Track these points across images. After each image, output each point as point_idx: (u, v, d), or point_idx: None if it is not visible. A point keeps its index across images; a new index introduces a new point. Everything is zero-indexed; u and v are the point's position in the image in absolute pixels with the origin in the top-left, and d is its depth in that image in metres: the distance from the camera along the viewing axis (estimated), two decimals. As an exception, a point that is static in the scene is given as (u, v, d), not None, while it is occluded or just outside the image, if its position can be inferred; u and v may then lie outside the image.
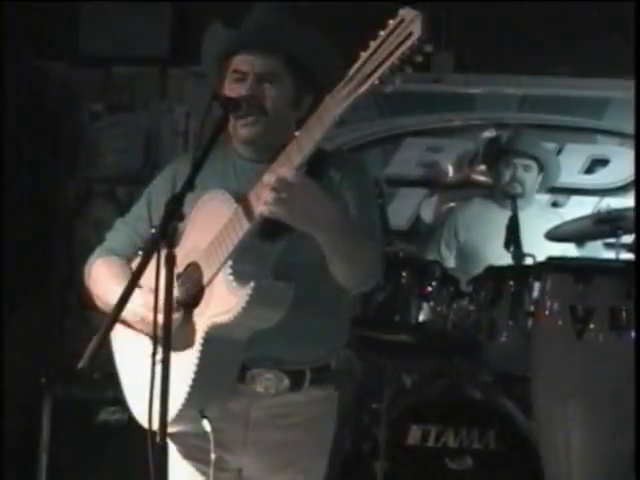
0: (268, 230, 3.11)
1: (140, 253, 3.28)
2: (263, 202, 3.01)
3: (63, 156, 7.33)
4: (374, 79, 2.82)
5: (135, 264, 3.42)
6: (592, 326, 5.17)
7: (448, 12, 6.51)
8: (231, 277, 3.12)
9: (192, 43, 3.57)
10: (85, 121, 7.37)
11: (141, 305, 3.20)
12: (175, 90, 7.18)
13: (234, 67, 3.39)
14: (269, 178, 3.01)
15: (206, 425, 3.26)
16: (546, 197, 6.85)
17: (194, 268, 3.21)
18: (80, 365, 2.82)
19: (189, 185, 3.02)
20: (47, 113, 7.27)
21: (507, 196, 6.12)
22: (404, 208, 7.12)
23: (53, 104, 7.30)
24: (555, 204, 6.99)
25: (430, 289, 5.70)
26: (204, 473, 3.35)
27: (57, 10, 7.13)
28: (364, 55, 2.85)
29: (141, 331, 3.32)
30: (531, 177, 6.26)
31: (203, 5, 6.38)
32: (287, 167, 3.01)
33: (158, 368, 2.86)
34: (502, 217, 5.94)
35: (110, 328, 2.91)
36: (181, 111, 7.14)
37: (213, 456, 3.26)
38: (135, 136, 7.27)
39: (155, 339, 2.91)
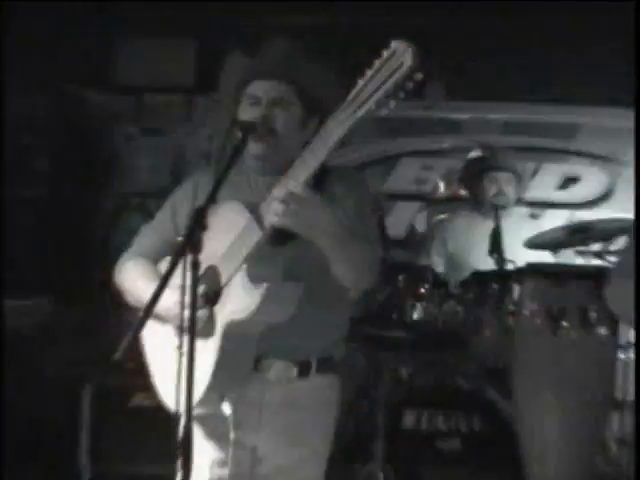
0: (278, 237, 3.11)
1: (168, 258, 3.27)
2: (273, 213, 3.03)
3: (101, 173, 7.35)
4: (371, 104, 2.83)
5: (162, 266, 3.45)
6: (565, 324, 5.18)
7: (439, 47, 6.52)
8: (246, 279, 3.13)
9: (214, 74, 3.58)
10: (120, 142, 7.39)
11: (174, 303, 3.19)
12: (199, 115, 7.20)
13: (249, 93, 3.39)
14: (279, 192, 3.02)
15: (226, 408, 3.27)
16: (525, 210, 6.86)
17: (213, 271, 3.21)
18: (115, 357, 2.83)
19: (212, 199, 3.00)
20: (88, 136, 7.30)
21: (493, 208, 6.11)
22: (400, 219, 7.13)
23: (93, 128, 7.32)
24: (533, 216, 7.00)
25: (423, 291, 5.72)
26: (223, 450, 3.36)
27: (97, 45, 7.15)
28: (361, 82, 2.86)
29: (171, 325, 3.32)
30: (512, 189, 6.25)
31: (224, 40, 6.39)
32: (294, 182, 3.02)
33: (184, 358, 2.86)
34: (486, 227, 5.94)
35: (142, 325, 2.90)
36: (204, 133, 7.15)
37: (232, 436, 3.27)
38: (164, 156, 7.28)
39: (182, 332, 2.92)
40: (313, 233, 3.08)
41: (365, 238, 3.25)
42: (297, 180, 3.02)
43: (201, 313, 3.12)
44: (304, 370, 3.36)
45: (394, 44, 2.80)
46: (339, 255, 3.14)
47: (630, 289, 3.03)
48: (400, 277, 5.78)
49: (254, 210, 3.11)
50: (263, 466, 3.43)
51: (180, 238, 2.94)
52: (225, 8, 6.86)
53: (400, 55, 2.77)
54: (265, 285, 3.10)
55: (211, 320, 3.20)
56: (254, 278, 3.12)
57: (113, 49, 7.31)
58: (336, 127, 2.93)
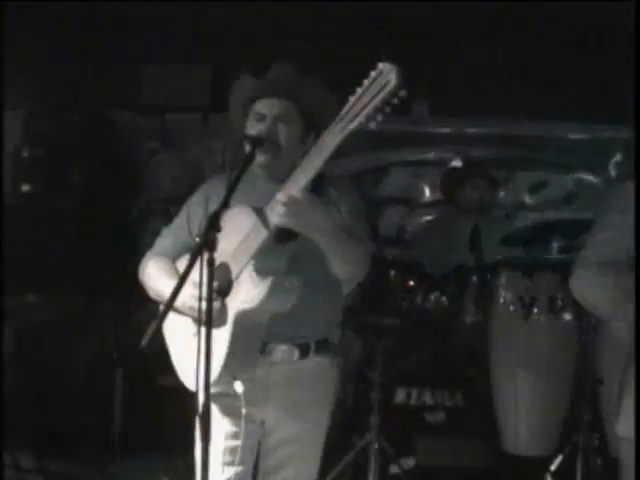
0: (281, 235, 3.11)
1: (187, 256, 3.25)
2: (276, 214, 3.03)
3: (129, 183, 7.35)
4: (361, 118, 2.82)
5: (180, 264, 3.44)
6: (535, 310, 5.20)
7: (425, 69, 6.53)
8: (254, 273, 3.12)
9: (226, 95, 3.58)
10: (145, 156, 7.39)
11: (190, 296, 3.20)
12: (214, 131, 7.20)
13: (256, 110, 3.38)
14: (281, 196, 3.02)
15: (238, 387, 3.26)
16: (500, 211, 6.86)
17: (224, 267, 3.19)
18: (142, 344, 2.83)
19: (225, 204, 2.99)
20: (117, 150, 7.30)
21: (473, 210, 6.12)
22: (391, 221, 7.11)
23: (121, 143, 7.32)
24: (507, 217, 6.99)
25: (412, 283, 5.73)
26: (236, 424, 3.35)
27: (126, 72, 7.18)
28: (352, 100, 2.85)
29: (188, 315, 3.32)
30: (489, 194, 6.26)
31: (235, 66, 6.39)
32: (295, 188, 3.03)
33: (202, 344, 2.86)
34: (466, 227, 5.95)
35: (165, 315, 2.90)
36: (218, 147, 7.14)
37: (244, 411, 3.26)
38: (183, 167, 7.28)
39: (200, 321, 2.91)
40: (311, 231, 3.08)
41: (357, 236, 3.25)
42: (297, 186, 3.02)
43: (215, 304, 3.11)
44: (304, 352, 3.37)
45: (381, 65, 2.80)
46: (334, 250, 3.15)
47: (590, 280, 3.03)
48: (392, 271, 5.80)
49: (260, 213, 3.11)
50: (270, 438, 3.44)
51: (197, 239, 2.94)
52: (236, 38, 6.88)
53: (386, 75, 2.77)
54: (270, 278, 3.09)
55: (223, 310, 3.19)
56: (261, 272, 3.12)
57: (140, 75, 7.31)
58: (331, 139, 2.93)
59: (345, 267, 3.22)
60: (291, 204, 2.99)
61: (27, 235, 6.16)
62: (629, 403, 2.96)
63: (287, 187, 3.05)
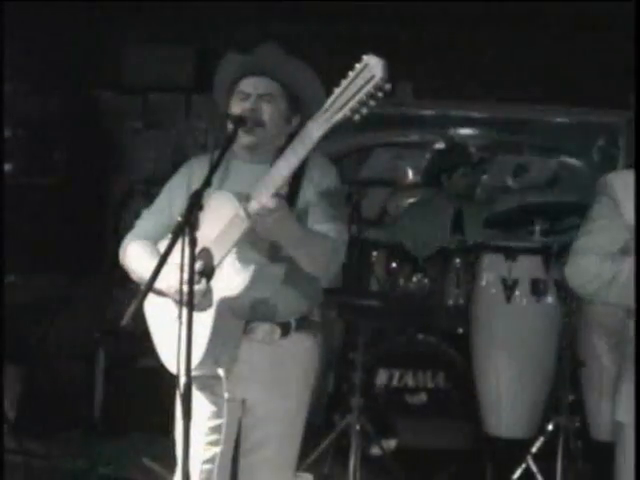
0: None
1: (169, 236, 3.21)
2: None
3: (111, 163, 7.34)
4: (345, 111, 2.80)
5: (161, 246, 3.39)
6: (517, 293, 5.21)
7: (409, 51, 6.52)
8: (236, 261, 3.11)
9: (210, 76, 3.54)
10: (128, 136, 7.37)
11: (175, 280, 3.15)
12: (197, 112, 7.19)
13: (240, 89, 3.34)
14: (253, 206, 3.00)
15: (220, 371, 3.25)
16: (483, 194, 6.85)
17: (206, 252, 3.17)
18: (122, 323, 2.81)
19: (207, 183, 2.97)
20: (99, 130, 7.28)
21: (457, 193, 6.11)
22: (374, 203, 7.08)
23: (104, 123, 7.30)
24: (490, 200, 6.99)
25: (394, 265, 5.73)
26: (217, 404, 3.34)
27: (108, 51, 7.16)
28: (337, 91, 2.81)
29: (172, 298, 3.29)
30: (472, 177, 6.26)
31: (218, 46, 6.36)
32: (277, 180, 2.99)
33: (184, 327, 2.84)
34: (450, 209, 5.95)
35: (146, 295, 2.87)
36: (201, 128, 7.14)
37: (227, 395, 3.26)
38: (166, 147, 7.26)
39: (181, 304, 2.89)
40: (279, 239, 3.09)
41: (338, 222, 3.27)
42: (280, 176, 2.99)
43: (198, 288, 3.08)
44: (285, 330, 3.35)
45: (366, 58, 2.76)
46: (299, 254, 3.16)
47: (586, 267, 3.03)
48: (374, 253, 5.79)
49: (243, 200, 3.07)
50: (251, 416, 3.42)
51: (179, 218, 2.91)
52: (220, 18, 6.87)
53: (372, 68, 2.73)
54: (253, 267, 3.08)
55: (207, 295, 3.17)
56: (243, 260, 3.10)
57: (122, 55, 7.29)
58: (315, 130, 2.89)
59: (312, 267, 3.23)
60: (263, 214, 2.98)
61: (8, 215, 6.11)
62: (629, 389, 2.97)
63: (267, 180, 3.02)
